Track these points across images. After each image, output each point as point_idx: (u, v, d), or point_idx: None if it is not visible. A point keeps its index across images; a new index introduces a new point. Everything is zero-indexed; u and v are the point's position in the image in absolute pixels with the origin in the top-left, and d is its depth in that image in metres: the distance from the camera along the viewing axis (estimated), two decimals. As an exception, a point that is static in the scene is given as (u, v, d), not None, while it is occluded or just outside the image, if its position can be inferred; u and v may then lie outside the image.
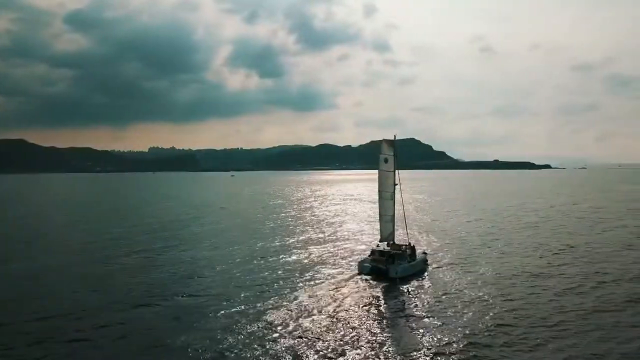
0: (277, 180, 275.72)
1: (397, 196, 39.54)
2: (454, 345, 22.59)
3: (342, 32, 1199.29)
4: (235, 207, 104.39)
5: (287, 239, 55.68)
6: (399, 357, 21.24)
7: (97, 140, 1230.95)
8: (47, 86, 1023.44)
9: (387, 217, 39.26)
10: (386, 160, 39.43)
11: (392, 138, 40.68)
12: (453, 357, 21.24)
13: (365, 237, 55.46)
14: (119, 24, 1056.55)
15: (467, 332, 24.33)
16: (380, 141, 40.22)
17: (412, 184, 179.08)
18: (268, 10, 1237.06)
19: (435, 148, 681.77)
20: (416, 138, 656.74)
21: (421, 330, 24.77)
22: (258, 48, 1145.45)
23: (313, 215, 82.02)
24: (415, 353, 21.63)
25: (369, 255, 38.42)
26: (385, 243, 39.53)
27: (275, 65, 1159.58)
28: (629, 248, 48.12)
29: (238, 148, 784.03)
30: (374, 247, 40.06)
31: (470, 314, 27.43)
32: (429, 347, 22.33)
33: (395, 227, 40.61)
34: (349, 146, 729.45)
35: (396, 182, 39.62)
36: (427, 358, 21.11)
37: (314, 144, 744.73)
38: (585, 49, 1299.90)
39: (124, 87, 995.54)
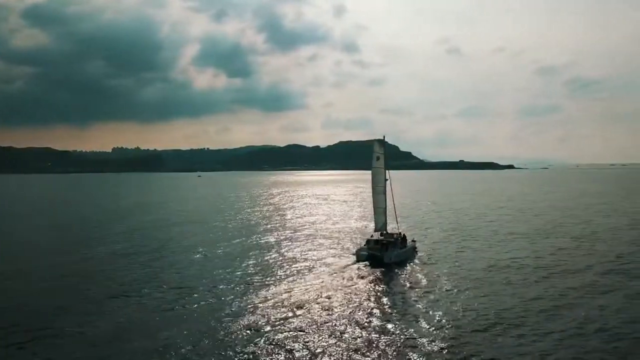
0: (247, 182, 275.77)
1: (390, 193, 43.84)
2: (445, 319, 26.40)
3: (311, 32, 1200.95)
4: (222, 208, 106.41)
5: (284, 236, 58.83)
6: (399, 332, 24.50)
7: (58, 140, 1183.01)
8: (4, 84, 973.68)
9: (379, 210, 43.42)
10: (378, 158, 43.62)
11: (382, 138, 44.83)
12: (446, 330, 24.77)
13: (355, 231, 59.80)
14: (81, 19, 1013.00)
15: (455, 307, 28.42)
16: (373, 141, 44.29)
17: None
18: (236, 9, 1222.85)
19: (402, 149, 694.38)
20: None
21: (416, 307, 28.70)
22: (226, 47, 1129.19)
23: (299, 215, 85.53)
24: (413, 328, 25.05)
25: (365, 245, 42.48)
26: (379, 233, 43.63)
27: (243, 64, 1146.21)
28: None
29: (205, 148, 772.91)
30: (369, 237, 44.12)
31: (456, 290, 31.90)
32: (424, 321, 25.97)
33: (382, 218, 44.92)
34: (318, 147, 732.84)
35: (386, 178, 43.85)
36: (424, 332, 24.45)
37: (282, 144, 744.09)
38: (548, 52, 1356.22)
39: (86, 85, 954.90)
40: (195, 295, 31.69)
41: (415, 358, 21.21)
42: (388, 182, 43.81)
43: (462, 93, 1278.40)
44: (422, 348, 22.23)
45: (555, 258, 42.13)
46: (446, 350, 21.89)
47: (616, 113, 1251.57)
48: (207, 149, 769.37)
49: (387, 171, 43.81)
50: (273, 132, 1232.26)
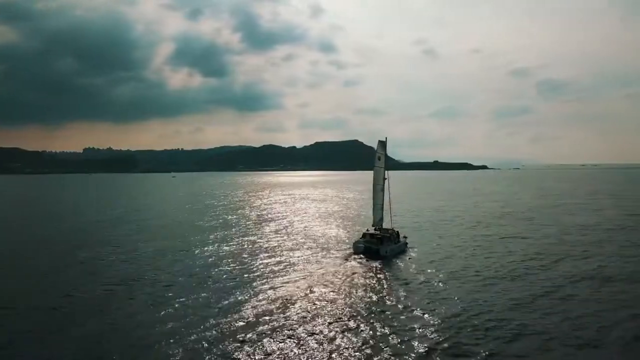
0: (224, 183, 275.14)
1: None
2: (434, 302, 29.77)
3: (287, 32, 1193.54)
4: (201, 209, 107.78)
5: (282, 232, 61.46)
6: (394, 318, 27.13)
7: (27, 140, 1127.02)
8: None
9: (378, 205, 46.93)
10: (379, 158, 47.28)
11: (384, 140, 48.37)
12: (436, 311, 27.93)
13: (346, 228, 63.14)
14: (52, 16, 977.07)
15: (442, 293, 31.96)
16: (379, 142, 48.12)
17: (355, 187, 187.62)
18: (212, 7, 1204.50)
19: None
20: (359, 140, 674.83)
21: (409, 294, 31.74)
22: (201, 46, 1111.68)
23: (292, 214, 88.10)
24: (406, 311, 28.26)
25: (361, 238, 45.83)
26: (374, 228, 46.99)
27: (218, 64, 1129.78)
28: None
29: (179, 149, 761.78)
30: (365, 231, 47.44)
31: (443, 280, 35.36)
32: (416, 306, 29.13)
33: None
34: (294, 147, 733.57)
35: (385, 177, 47.34)
36: (417, 317, 27.27)
37: (257, 145, 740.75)
38: (521, 54, 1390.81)
39: (57, 84, 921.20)
40: (187, 290, 32.76)
41: (410, 341, 23.57)
42: (387, 181, 47.26)
43: (437, 94, 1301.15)
44: (416, 331, 24.90)
45: (523, 250, 46.77)
46: (437, 332, 24.77)
47: (585, 114, 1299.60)
48: (182, 149, 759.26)
49: (386, 171, 47.30)
50: (248, 133, 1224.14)
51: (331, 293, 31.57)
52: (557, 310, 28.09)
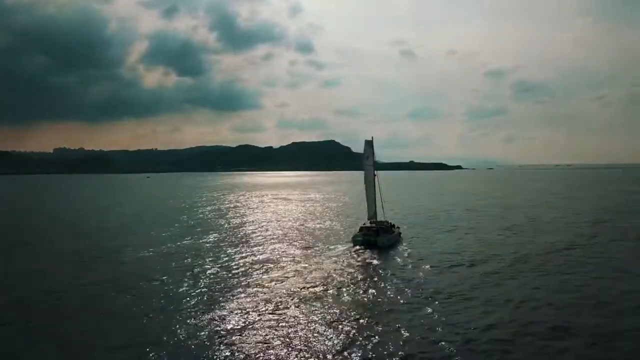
0: (204, 184, 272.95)
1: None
2: (427, 287, 32.70)
3: (266, 31, 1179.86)
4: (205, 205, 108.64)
5: (284, 230, 63.85)
6: (395, 297, 30.17)
7: None
8: None
9: (370, 200, 50.04)
10: (367, 157, 50.23)
11: (371, 139, 51.27)
12: (430, 297, 30.41)
13: (340, 224, 66.14)
14: (22, 11, 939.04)
15: (435, 278, 35.26)
16: (367, 142, 50.74)
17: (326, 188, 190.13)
18: (188, 5, 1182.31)
19: (354, 150, 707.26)
20: (336, 140, 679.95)
21: (406, 280, 34.67)
22: (177, 45, 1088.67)
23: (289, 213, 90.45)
24: (403, 295, 30.79)
25: (359, 231, 48.82)
26: (369, 221, 50.08)
27: (194, 63, 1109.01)
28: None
29: (154, 149, 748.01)
30: (362, 225, 50.45)
31: (436, 266, 38.96)
32: (412, 290, 31.98)
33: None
34: (271, 147, 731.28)
35: (374, 174, 50.51)
36: (415, 301, 29.79)
37: (234, 145, 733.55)
38: (496, 56, 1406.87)
39: (26, 83, 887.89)
40: (194, 284, 33.76)
41: (410, 325, 25.60)
42: (376, 177, 50.45)
43: (414, 95, 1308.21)
44: (415, 316, 27.05)
45: (499, 242, 50.65)
46: (432, 316, 27.08)
47: (557, 116, 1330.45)
48: (156, 149, 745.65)
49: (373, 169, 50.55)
50: (225, 133, 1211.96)
51: (335, 285, 33.45)
52: (524, 285, 32.98)
